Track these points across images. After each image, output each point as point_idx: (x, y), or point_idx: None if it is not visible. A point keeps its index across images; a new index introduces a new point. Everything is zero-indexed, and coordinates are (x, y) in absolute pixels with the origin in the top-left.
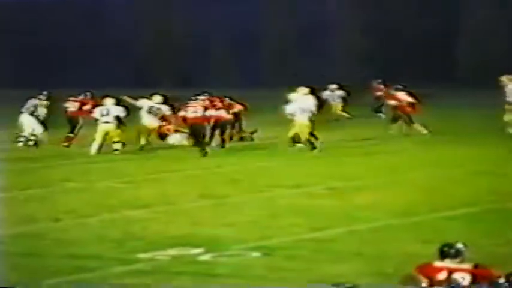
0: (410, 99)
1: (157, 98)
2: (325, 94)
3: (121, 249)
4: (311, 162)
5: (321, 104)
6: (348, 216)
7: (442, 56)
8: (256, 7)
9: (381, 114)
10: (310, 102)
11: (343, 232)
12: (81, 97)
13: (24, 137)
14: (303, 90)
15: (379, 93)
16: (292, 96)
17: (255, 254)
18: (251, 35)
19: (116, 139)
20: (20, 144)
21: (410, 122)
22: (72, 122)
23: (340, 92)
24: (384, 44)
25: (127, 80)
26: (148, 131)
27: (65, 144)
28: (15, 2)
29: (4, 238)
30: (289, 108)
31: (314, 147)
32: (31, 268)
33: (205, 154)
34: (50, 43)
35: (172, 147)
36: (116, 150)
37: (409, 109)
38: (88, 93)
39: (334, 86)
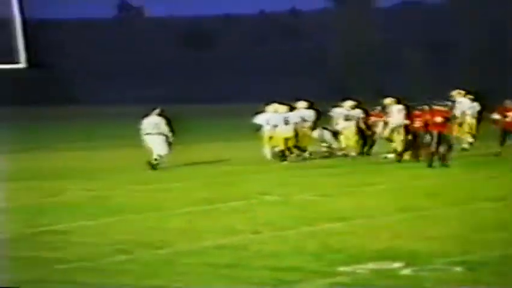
0: None
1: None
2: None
3: (320, 262)
4: (509, 175)
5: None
6: None
7: None
8: (448, 15)
9: None
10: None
11: None
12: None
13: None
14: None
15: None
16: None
17: (458, 268)
18: (445, 43)
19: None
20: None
21: None
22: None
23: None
24: None
25: (321, 92)
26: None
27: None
28: (218, 15)
29: (208, 249)
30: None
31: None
32: (233, 278)
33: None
34: (247, 55)
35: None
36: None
37: None
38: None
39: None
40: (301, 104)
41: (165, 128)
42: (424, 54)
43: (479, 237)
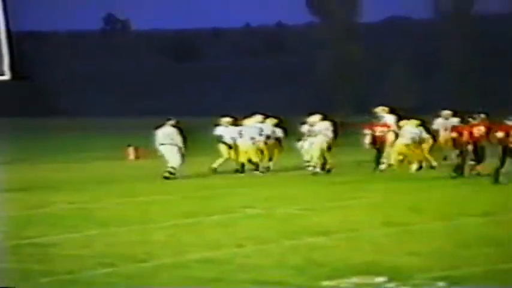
0: None
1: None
2: (437, 122)
3: (304, 276)
4: (494, 189)
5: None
6: None
7: None
8: (433, 29)
9: None
10: None
11: None
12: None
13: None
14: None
15: None
16: None
17: (441, 284)
18: (432, 59)
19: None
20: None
21: None
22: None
23: (456, 120)
24: None
25: (306, 105)
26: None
27: None
28: (203, 29)
29: (192, 263)
30: None
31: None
32: None
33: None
34: (231, 67)
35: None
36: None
37: None
38: None
39: (448, 112)
40: (256, 118)
41: (178, 139)
42: (410, 69)
43: (463, 253)
